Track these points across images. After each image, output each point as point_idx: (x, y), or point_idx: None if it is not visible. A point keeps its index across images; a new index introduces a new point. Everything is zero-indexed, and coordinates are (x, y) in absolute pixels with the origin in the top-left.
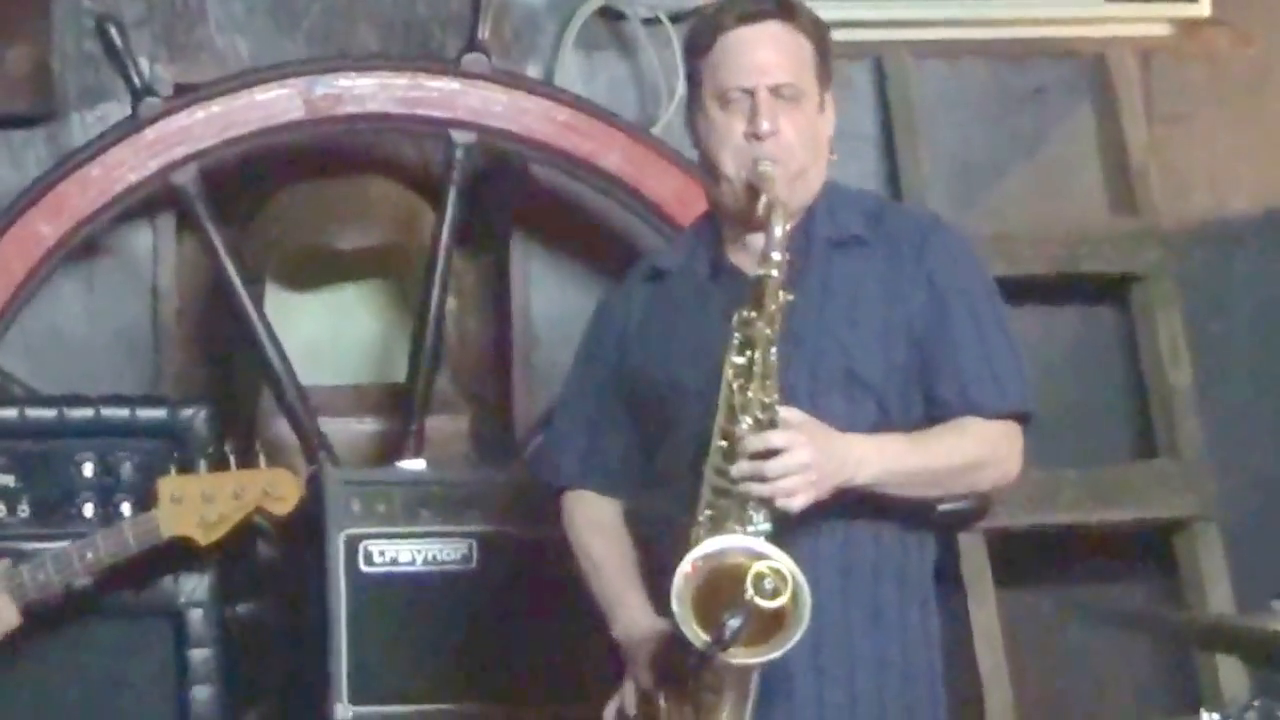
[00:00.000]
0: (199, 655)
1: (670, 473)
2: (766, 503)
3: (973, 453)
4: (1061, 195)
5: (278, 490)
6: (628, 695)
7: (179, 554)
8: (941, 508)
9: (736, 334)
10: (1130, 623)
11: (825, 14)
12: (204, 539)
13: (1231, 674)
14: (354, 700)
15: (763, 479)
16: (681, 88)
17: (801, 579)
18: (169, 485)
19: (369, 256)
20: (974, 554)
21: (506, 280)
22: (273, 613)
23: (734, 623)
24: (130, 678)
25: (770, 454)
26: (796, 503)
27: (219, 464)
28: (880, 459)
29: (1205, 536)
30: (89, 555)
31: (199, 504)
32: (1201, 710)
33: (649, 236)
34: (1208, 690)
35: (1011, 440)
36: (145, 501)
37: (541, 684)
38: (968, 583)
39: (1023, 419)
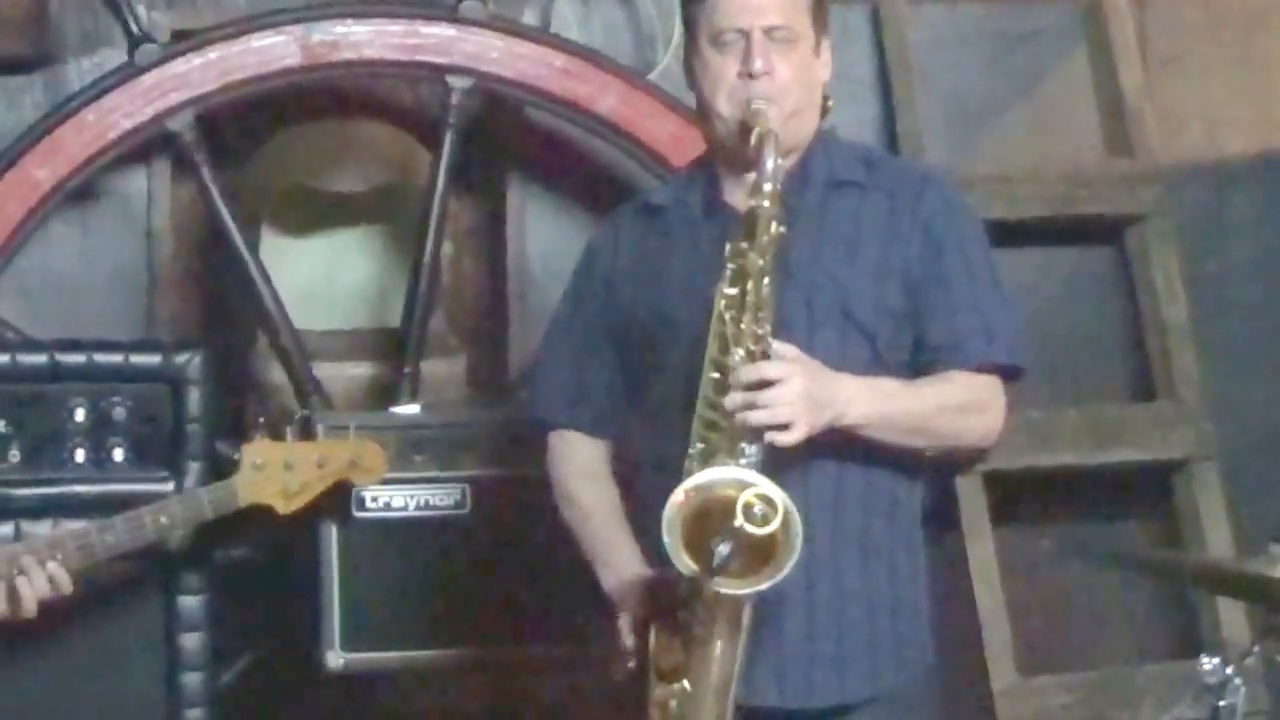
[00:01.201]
0: (189, 602)
1: (661, 409)
2: (758, 434)
3: (959, 400)
4: (1058, 137)
5: (365, 461)
6: (622, 637)
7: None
8: (929, 454)
9: (729, 265)
10: (1129, 563)
11: None
12: (284, 508)
13: (1232, 616)
14: (346, 647)
15: (755, 409)
16: (678, 34)
17: (791, 506)
18: (252, 451)
19: (364, 200)
20: (972, 495)
21: (502, 223)
22: (264, 559)
23: (723, 549)
24: (121, 624)
25: (763, 385)
26: (790, 436)
27: (306, 434)
28: (870, 398)
29: (1204, 477)
30: (163, 519)
31: (281, 472)
32: (1201, 655)
33: (644, 179)
34: (1208, 633)
35: (996, 393)
36: (138, 446)
37: (535, 628)
38: (965, 523)
39: (1010, 373)
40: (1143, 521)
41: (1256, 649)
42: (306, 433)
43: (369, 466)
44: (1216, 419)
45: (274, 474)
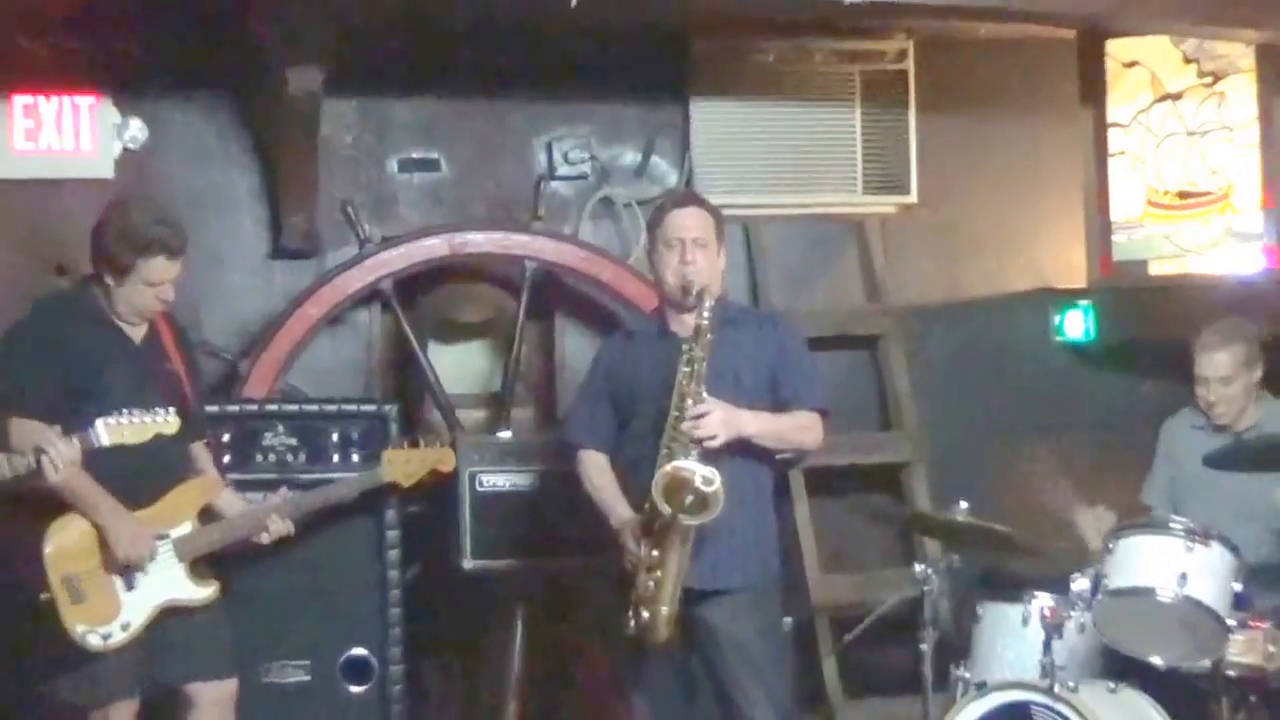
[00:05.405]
0: (391, 535)
1: (638, 436)
2: (698, 443)
3: (799, 424)
4: (840, 292)
5: (444, 462)
6: (627, 552)
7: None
8: (779, 455)
9: (685, 355)
10: (881, 516)
11: (719, 201)
12: (405, 483)
13: (931, 543)
14: (474, 557)
15: (697, 429)
16: (644, 240)
17: (720, 480)
18: (388, 454)
19: (480, 325)
20: (796, 480)
21: (552, 337)
22: (430, 512)
23: (689, 499)
24: (356, 545)
25: (700, 416)
26: (714, 443)
27: (412, 444)
28: (756, 422)
29: (918, 471)
30: (341, 489)
31: (403, 465)
32: (915, 563)
33: (625, 315)
34: (919, 551)
35: (817, 422)
36: (366, 456)
37: (577, 547)
38: (793, 496)
39: (824, 413)
40: (887, 495)
41: (943, 561)
42: (413, 444)
43: (446, 463)
44: (926, 441)
45: (400, 465)
